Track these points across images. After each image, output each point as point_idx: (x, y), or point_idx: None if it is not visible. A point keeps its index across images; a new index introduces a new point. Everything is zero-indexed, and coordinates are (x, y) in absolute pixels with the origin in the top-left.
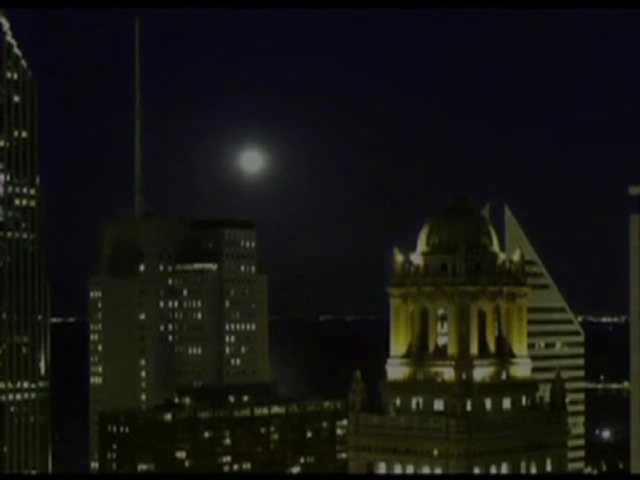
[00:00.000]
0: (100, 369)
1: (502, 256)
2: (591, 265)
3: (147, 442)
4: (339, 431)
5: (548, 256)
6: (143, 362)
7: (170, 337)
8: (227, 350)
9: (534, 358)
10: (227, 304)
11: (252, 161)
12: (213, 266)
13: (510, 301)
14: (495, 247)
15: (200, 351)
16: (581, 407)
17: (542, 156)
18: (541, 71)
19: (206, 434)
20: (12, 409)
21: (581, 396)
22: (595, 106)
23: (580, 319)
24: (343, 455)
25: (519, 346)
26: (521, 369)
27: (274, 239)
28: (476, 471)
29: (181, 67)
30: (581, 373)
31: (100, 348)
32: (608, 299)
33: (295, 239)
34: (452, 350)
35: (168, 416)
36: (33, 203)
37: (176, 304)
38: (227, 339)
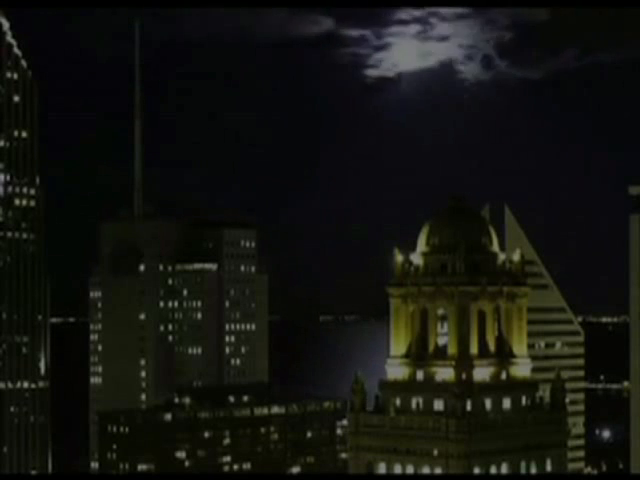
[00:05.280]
0: (100, 369)
1: (502, 256)
2: (591, 265)
3: (147, 442)
4: (339, 431)
5: (548, 256)
6: (143, 362)
7: (170, 337)
8: (227, 350)
9: (534, 358)
10: (227, 304)
11: None
12: (213, 266)
13: (510, 301)
14: (495, 247)
15: (200, 351)
16: (581, 407)
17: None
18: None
19: (206, 434)
20: (12, 409)
21: (581, 396)
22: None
23: (580, 319)
24: (343, 455)
25: (519, 346)
26: (521, 369)
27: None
28: (476, 471)
29: None
30: (581, 373)
31: (100, 348)
32: (608, 299)
33: None
34: (452, 350)
35: (168, 416)
36: (33, 203)
37: (176, 304)
38: (227, 339)
